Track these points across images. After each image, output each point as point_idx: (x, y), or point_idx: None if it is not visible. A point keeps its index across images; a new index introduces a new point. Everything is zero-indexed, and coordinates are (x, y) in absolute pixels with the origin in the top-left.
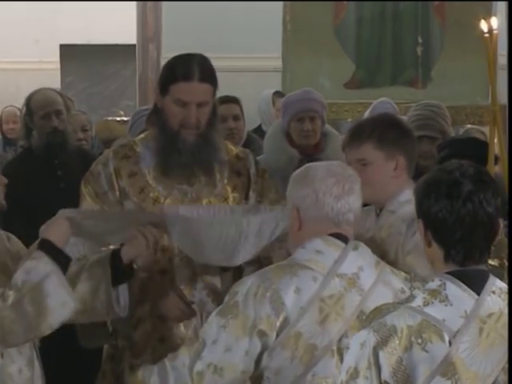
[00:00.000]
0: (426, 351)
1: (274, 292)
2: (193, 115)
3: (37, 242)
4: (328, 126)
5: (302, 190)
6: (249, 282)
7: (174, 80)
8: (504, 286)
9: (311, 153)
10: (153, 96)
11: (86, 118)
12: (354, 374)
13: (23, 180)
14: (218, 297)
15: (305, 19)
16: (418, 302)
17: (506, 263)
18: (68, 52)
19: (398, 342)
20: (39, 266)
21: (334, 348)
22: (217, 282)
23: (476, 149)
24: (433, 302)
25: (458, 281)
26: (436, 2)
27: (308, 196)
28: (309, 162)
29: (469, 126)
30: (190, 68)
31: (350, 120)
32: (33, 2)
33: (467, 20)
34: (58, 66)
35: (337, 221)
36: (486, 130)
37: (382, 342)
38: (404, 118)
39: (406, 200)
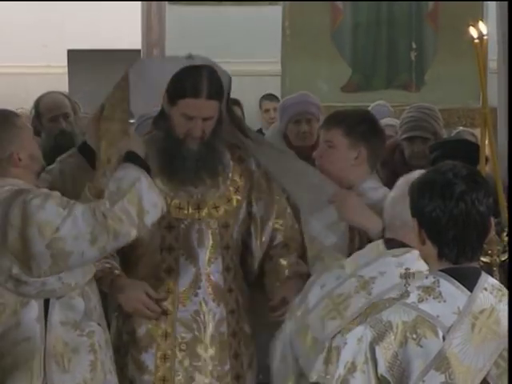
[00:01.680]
0: (421, 346)
1: None
2: (198, 128)
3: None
4: None
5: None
6: None
7: (182, 95)
8: (496, 282)
9: (308, 153)
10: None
11: None
12: (352, 368)
13: None
14: (219, 296)
15: (303, 25)
16: (412, 298)
17: (497, 260)
18: (75, 57)
19: (393, 337)
20: (129, 173)
21: (326, 344)
22: (220, 281)
23: (467, 150)
24: (427, 299)
25: (451, 278)
26: (429, 9)
27: None
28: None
29: (461, 128)
30: (199, 85)
31: None
32: (41, 8)
33: (459, 26)
34: (66, 70)
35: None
36: (478, 131)
37: (379, 338)
38: (395, 120)
39: (370, 187)
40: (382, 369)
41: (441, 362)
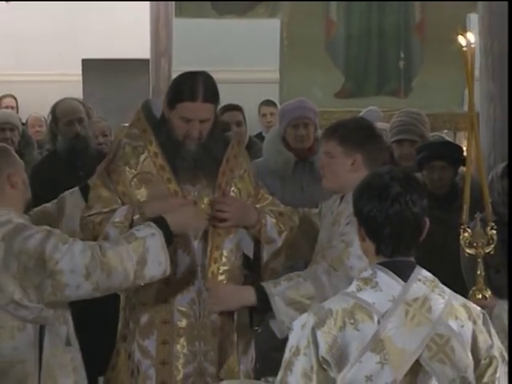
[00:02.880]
0: (358, 330)
1: None
2: (196, 130)
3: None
4: (320, 132)
5: None
6: None
7: (180, 99)
8: (429, 275)
9: (305, 156)
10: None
11: (105, 125)
12: (296, 351)
13: (49, 179)
14: None
15: (299, 37)
16: (352, 288)
17: (481, 252)
18: (89, 65)
19: (333, 322)
20: (148, 227)
21: None
22: (214, 272)
23: (450, 151)
24: (365, 288)
25: (387, 270)
26: (416, 22)
27: None
28: (303, 164)
29: (445, 131)
30: (195, 89)
31: None
32: (57, 20)
33: (444, 37)
34: (80, 78)
35: None
36: (460, 135)
37: (320, 323)
38: (386, 124)
39: None
40: (323, 351)
41: (376, 344)
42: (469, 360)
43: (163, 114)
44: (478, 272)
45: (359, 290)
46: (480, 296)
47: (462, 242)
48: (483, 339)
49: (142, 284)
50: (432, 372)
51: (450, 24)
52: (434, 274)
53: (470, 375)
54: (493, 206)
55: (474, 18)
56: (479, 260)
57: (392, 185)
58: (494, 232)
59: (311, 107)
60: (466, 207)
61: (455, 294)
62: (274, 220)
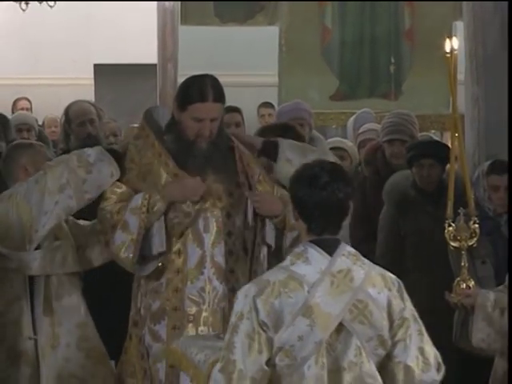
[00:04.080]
0: (291, 298)
1: None
2: (207, 129)
3: None
4: (315, 132)
5: None
6: None
7: (191, 101)
8: (352, 250)
9: None
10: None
11: (115, 125)
12: (240, 316)
13: None
14: (222, 275)
15: (297, 43)
16: (286, 262)
17: (465, 244)
18: (100, 70)
19: (270, 291)
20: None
21: None
22: (222, 262)
23: (437, 150)
24: (297, 262)
25: (316, 246)
26: (406, 28)
27: None
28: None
29: (433, 131)
30: (205, 90)
31: (334, 127)
32: (71, 27)
33: (432, 43)
34: (92, 82)
35: None
36: (447, 134)
37: (259, 292)
38: (377, 125)
39: None
40: (262, 316)
41: (306, 310)
42: (384, 321)
43: (173, 116)
44: (462, 263)
45: (292, 263)
46: (464, 286)
47: (446, 236)
48: (397, 303)
49: None
50: (353, 331)
51: (437, 31)
52: (423, 264)
53: (386, 334)
54: (479, 202)
55: (459, 25)
56: (463, 252)
57: (321, 175)
58: (477, 226)
59: (306, 109)
60: (450, 203)
61: (374, 265)
62: None
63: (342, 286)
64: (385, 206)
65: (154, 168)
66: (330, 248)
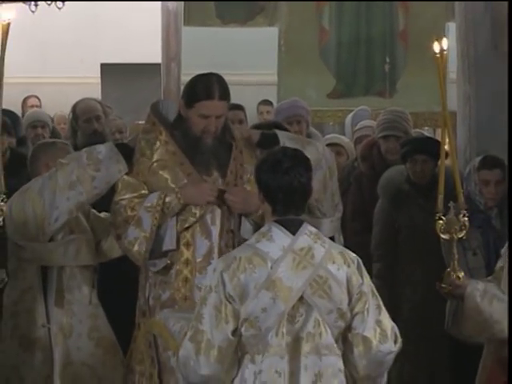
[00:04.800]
0: (255, 273)
1: None
2: (213, 125)
3: None
4: (312, 129)
5: None
6: None
7: (198, 98)
8: (314, 230)
9: None
10: (178, 106)
11: (121, 122)
12: (209, 290)
13: None
14: None
15: (295, 44)
16: (252, 240)
17: (455, 236)
18: (107, 69)
19: (236, 266)
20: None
21: None
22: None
23: (430, 146)
24: (262, 240)
25: (280, 226)
26: (400, 29)
27: None
28: None
29: (426, 128)
30: (211, 89)
31: (331, 124)
32: (79, 28)
33: (425, 44)
34: (99, 81)
35: None
36: (439, 131)
37: (226, 267)
38: (373, 122)
39: None
40: (229, 289)
41: (269, 284)
42: (344, 295)
43: (179, 113)
44: (452, 255)
45: (257, 241)
46: (454, 276)
47: (437, 229)
48: (355, 279)
49: None
50: (313, 304)
51: (430, 32)
52: (417, 255)
53: (345, 307)
54: (470, 196)
55: (452, 26)
56: (453, 244)
57: (284, 160)
58: (466, 219)
59: (304, 106)
60: (440, 197)
61: (335, 244)
62: None
63: (303, 262)
64: (380, 199)
65: (169, 165)
66: (293, 227)
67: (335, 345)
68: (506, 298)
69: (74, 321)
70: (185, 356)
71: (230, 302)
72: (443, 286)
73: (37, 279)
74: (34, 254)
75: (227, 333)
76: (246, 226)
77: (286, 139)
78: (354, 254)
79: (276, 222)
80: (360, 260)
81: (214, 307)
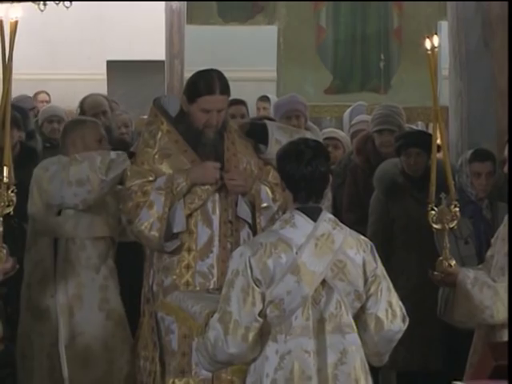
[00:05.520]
0: (281, 258)
1: None
2: (214, 119)
3: None
4: (310, 123)
5: None
6: None
7: (200, 94)
8: (332, 217)
9: None
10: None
11: (127, 117)
12: (236, 273)
13: None
14: (229, 253)
15: (294, 41)
16: (276, 226)
17: (447, 226)
18: (113, 66)
19: (263, 252)
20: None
21: None
22: (229, 241)
23: (423, 139)
24: (286, 227)
25: (302, 213)
26: (395, 27)
27: None
28: None
29: (419, 122)
30: (212, 84)
31: (328, 118)
32: (86, 27)
33: (418, 41)
34: (105, 77)
35: None
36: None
37: (253, 253)
38: (368, 116)
39: None
40: (256, 273)
41: (294, 268)
42: (360, 278)
43: (181, 108)
44: (444, 244)
45: (281, 228)
46: (446, 264)
47: (429, 219)
48: (370, 263)
49: None
50: (334, 287)
51: (423, 30)
52: (411, 244)
53: (361, 289)
54: (462, 187)
55: (444, 25)
56: (445, 234)
57: (306, 151)
58: (457, 210)
59: (302, 101)
60: (432, 189)
61: (351, 230)
62: (269, 189)
63: (324, 247)
64: (375, 191)
65: (173, 153)
66: (313, 215)
67: (354, 323)
68: (495, 285)
69: (84, 292)
70: (214, 336)
71: (257, 286)
72: (436, 273)
73: (49, 251)
74: (46, 226)
75: (254, 314)
76: (243, 206)
77: (274, 129)
78: (368, 240)
79: (298, 209)
80: (373, 245)
81: (241, 290)
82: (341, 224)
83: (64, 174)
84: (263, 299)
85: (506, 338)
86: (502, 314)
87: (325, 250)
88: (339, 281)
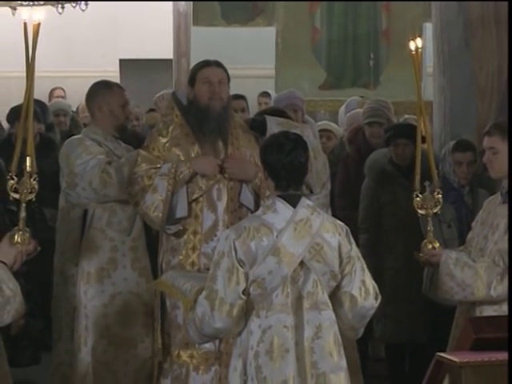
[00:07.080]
0: (263, 241)
1: None
2: (216, 87)
3: None
4: (307, 116)
5: None
6: None
7: (198, 69)
8: (311, 203)
9: None
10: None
11: (138, 111)
12: (222, 255)
13: None
14: None
15: (291, 41)
16: (259, 212)
17: (430, 212)
18: (125, 64)
19: (246, 235)
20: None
21: None
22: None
23: (410, 131)
24: (267, 212)
25: (282, 200)
26: (383, 29)
27: None
28: None
29: (406, 116)
30: (208, 60)
31: (322, 112)
32: (100, 27)
33: (405, 42)
34: (118, 74)
35: None
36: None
37: (238, 236)
38: (359, 110)
39: None
40: (240, 254)
41: (275, 251)
42: (336, 260)
43: (188, 98)
44: (429, 228)
45: (264, 213)
46: (430, 246)
47: (414, 205)
48: (345, 245)
49: None
50: (311, 268)
51: (409, 31)
52: (398, 228)
53: (336, 269)
54: (445, 175)
55: (429, 26)
56: (429, 218)
57: (286, 143)
58: (440, 196)
59: (299, 96)
60: (417, 177)
61: (326, 215)
62: None
63: (302, 231)
64: (366, 178)
65: (182, 144)
66: (293, 201)
67: (329, 301)
68: (475, 265)
69: (118, 255)
70: (202, 312)
71: (241, 266)
72: (421, 255)
73: (78, 221)
74: (79, 199)
75: (238, 292)
76: (246, 193)
77: (273, 124)
78: (343, 224)
79: (279, 196)
80: (348, 229)
81: (226, 270)
82: (318, 209)
83: (104, 174)
84: (246, 278)
85: (485, 313)
86: (481, 292)
87: (303, 233)
88: (316, 262)
